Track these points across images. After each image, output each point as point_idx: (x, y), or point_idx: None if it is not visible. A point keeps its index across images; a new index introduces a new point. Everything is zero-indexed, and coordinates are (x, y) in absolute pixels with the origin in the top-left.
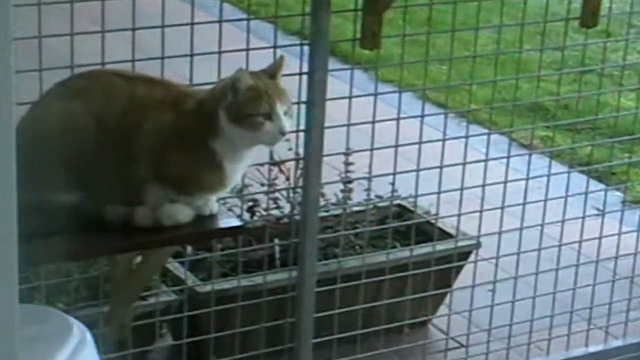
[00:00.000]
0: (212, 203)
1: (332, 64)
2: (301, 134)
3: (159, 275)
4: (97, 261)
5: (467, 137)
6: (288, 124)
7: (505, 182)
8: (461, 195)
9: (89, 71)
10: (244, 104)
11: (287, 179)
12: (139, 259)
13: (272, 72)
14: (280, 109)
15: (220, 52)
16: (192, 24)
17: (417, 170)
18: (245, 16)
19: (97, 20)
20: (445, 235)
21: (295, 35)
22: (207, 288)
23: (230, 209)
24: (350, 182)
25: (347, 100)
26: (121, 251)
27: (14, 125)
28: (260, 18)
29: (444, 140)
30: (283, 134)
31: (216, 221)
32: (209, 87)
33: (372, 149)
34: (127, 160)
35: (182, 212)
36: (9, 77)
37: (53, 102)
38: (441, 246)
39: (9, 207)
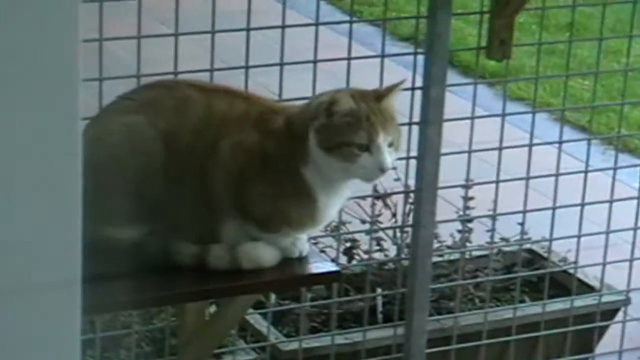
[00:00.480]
0: (301, 243)
1: (450, 76)
2: (412, 162)
3: (236, 329)
4: (162, 310)
5: (614, 168)
6: (391, 158)
7: None
8: (607, 239)
9: (158, 81)
10: (338, 130)
11: (394, 215)
12: (212, 308)
13: (382, 94)
14: (383, 140)
15: (315, 61)
16: (283, 26)
17: (553, 208)
18: (346, 18)
19: (168, 20)
20: (586, 288)
21: (405, 41)
22: (294, 346)
23: (323, 251)
24: (470, 220)
25: (468, 122)
26: (191, 299)
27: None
28: (364, 20)
29: (586, 172)
30: (382, 170)
31: (307, 265)
32: (301, 103)
33: (497, 181)
34: (201, 189)
35: (265, 253)
36: (76, 91)
37: (114, 118)
38: (581, 302)
39: (73, 242)
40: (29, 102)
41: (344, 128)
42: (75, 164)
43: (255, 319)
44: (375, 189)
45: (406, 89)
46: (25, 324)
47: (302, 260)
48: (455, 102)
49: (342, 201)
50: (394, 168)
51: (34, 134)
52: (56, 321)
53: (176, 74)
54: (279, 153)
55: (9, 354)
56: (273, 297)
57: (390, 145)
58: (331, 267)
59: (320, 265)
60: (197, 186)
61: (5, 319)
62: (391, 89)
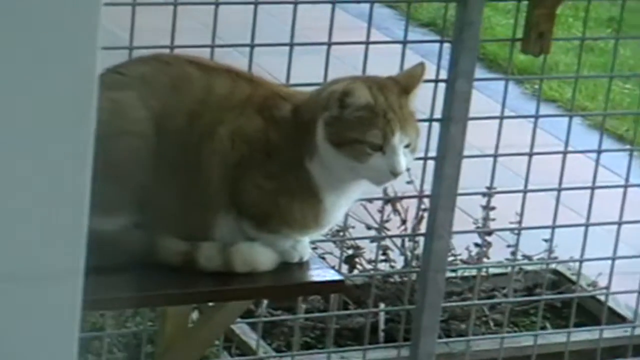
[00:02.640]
0: (303, 246)
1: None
2: (429, 163)
3: (221, 339)
4: (139, 313)
5: None
6: (405, 161)
7: None
8: None
9: (153, 55)
10: (350, 125)
11: (404, 222)
12: (195, 314)
13: (406, 85)
14: (399, 141)
15: (329, 44)
16: (296, 2)
17: (586, 225)
18: None
19: None
20: (616, 318)
21: (425, 27)
22: None
23: (322, 257)
24: (490, 233)
25: (489, 122)
26: (175, 302)
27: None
28: (385, 1)
29: (625, 186)
30: (395, 174)
31: (307, 272)
32: (312, 89)
33: (525, 191)
34: (194, 179)
35: (261, 256)
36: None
37: (100, 94)
38: (611, 332)
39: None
40: (39, 88)
41: (356, 123)
42: (86, 150)
43: (243, 330)
44: (384, 192)
45: (427, 81)
46: (24, 314)
47: (301, 266)
48: (478, 98)
49: (350, 203)
50: (408, 169)
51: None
52: (56, 313)
53: (172, 48)
54: (283, 144)
55: (10, 344)
56: (264, 305)
57: (406, 146)
58: (334, 275)
59: (321, 273)
60: (190, 175)
61: (11, 307)
62: (413, 80)
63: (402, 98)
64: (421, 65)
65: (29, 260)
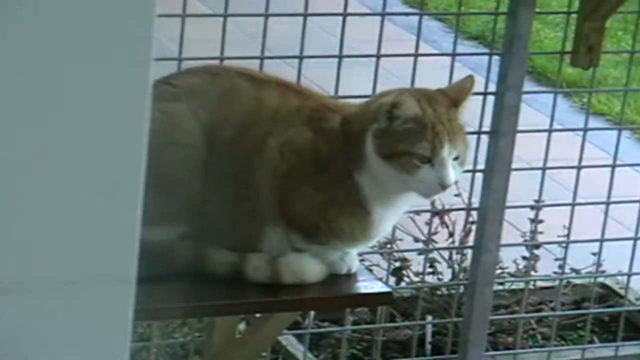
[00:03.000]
0: (350, 258)
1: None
2: (478, 176)
3: (268, 351)
4: (186, 323)
5: None
6: (454, 174)
7: None
8: None
9: (203, 66)
10: (399, 137)
11: (451, 234)
12: (243, 325)
13: (455, 98)
14: (448, 153)
15: (378, 56)
16: (345, 14)
17: (635, 239)
18: (406, 10)
19: (212, 1)
20: None
21: (474, 40)
22: None
23: (369, 269)
24: (537, 246)
25: (536, 135)
26: (223, 312)
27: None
28: (435, 14)
29: None
30: (444, 186)
31: (355, 284)
32: (361, 101)
33: (573, 204)
34: (243, 190)
35: (310, 267)
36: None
37: (151, 105)
38: None
39: (131, 237)
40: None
41: (405, 135)
42: (139, 160)
43: (289, 341)
44: (432, 204)
45: (476, 94)
46: (76, 322)
47: (349, 277)
48: (526, 111)
49: (398, 215)
50: (456, 182)
51: (100, 118)
52: (108, 322)
53: (222, 60)
54: (332, 156)
55: (62, 353)
56: (311, 317)
57: (455, 159)
58: (382, 287)
59: (369, 285)
60: (239, 186)
61: (65, 315)
62: (463, 92)
63: (451, 110)
64: (470, 78)
65: (82, 269)
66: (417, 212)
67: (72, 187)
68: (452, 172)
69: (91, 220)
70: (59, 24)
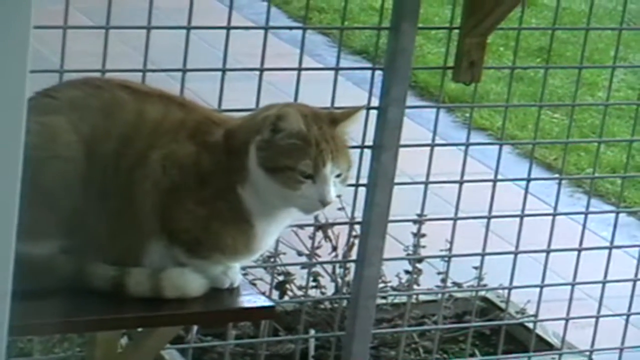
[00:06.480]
0: (234, 272)
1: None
2: (361, 190)
3: None
4: (67, 338)
5: (585, 213)
6: (335, 191)
7: (634, 281)
8: (571, 292)
9: (84, 78)
10: (282, 151)
11: (334, 248)
12: (125, 340)
13: (339, 118)
14: (330, 171)
15: (262, 70)
16: (229, 27)
17: (515, 253)
18: (292, 23)
19: (90, 12)
20: (544, 345)
21: (357, 54)
22: None
23: (252, 283)
24: (420, 260)
25: (419, 150)
26: (103, 327)
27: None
28: (319, 28)
29: (553, 215)
30: (324, 203)
31: (237, 298)
32: (245, 115)
33: (455, 218)
34: (125, 204)
35: (192, 282)
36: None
37: (30, 117)
38: None
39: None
40: None
41: (289, 151)
42: (14, 174)
43: (172, 356)
44: (316, 218)
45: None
46: None
47: (232, 292)
48: (409, 126)
49: (281, 229)
50: (339, 196)
51: None
52: None
53: (104, 72)
54: (215, 169)
55: None
56: (194, 331)
57: (337, 176)
58: (265, 301)
59: (252, 299)
60: (120, 200)
61: None
62: (349, 113)
63: (335, 129)
64: (360, 108)
65: None
66: (301, 226)
67: None
68: (333, 190)
69: None
70: None
